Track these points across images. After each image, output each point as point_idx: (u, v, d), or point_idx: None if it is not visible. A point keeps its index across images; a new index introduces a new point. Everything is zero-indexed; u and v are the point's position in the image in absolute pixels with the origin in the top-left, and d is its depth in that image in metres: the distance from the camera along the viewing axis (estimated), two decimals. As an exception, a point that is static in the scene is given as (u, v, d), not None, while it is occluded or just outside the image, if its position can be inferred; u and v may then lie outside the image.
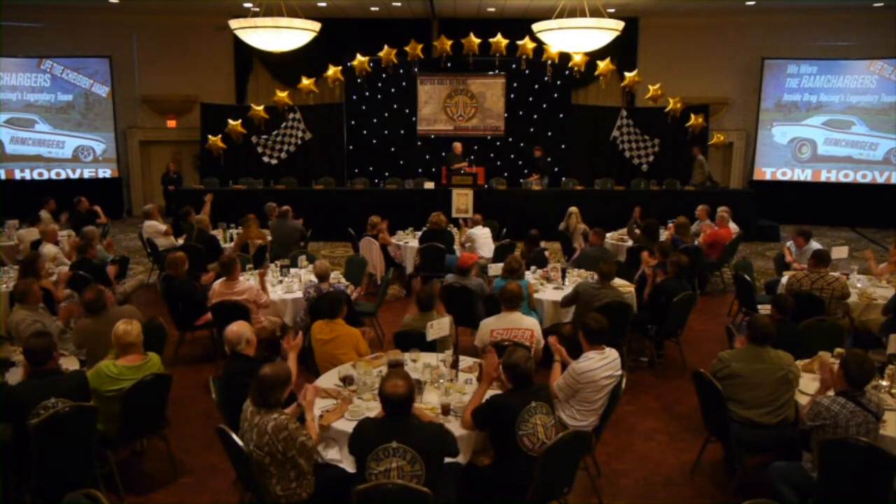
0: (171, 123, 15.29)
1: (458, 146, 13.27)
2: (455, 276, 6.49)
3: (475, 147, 14.64)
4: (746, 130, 15.18)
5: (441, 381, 4.13)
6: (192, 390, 5.65)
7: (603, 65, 11.96)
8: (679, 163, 14.19)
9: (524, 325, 4.93)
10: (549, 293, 6.55)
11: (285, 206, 9.14)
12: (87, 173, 14.61)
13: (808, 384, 4.19)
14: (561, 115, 15.02)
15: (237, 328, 4.16)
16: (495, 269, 6.65)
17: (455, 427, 3.62)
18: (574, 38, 9.15)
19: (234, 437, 3.34)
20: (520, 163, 14.92)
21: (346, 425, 3.65)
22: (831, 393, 3.68)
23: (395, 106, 15.02)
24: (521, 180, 13.31)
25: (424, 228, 8.91)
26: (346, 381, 4.11)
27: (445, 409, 3.76)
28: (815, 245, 7.35)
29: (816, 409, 3.57)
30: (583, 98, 15.27)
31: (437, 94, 15.01)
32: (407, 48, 12.55)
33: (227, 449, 3.47)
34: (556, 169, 14.69)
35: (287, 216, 8.99)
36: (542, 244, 8.23)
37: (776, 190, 14.42)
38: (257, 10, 10.06)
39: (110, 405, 4.06)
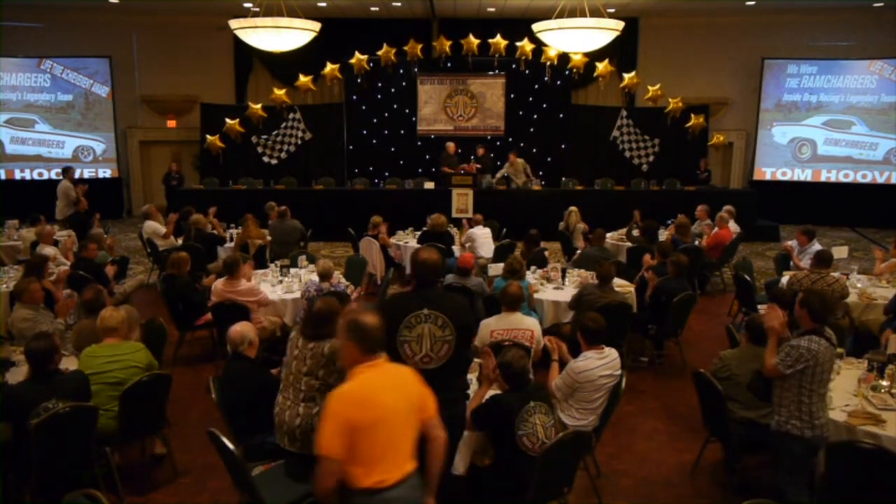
0: (171, 123, 15.29)
1: (451, 146, 13.21)
2: (455, 276, 6.49)
3: (478, 146, 14.63)
4: (746, 130, 15.18)
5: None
6: (192, 390, 5.65)
7: (602, 65, 11.97)
8: (679, 163, 14.21)
9: (524, 326, 4.93)
10: (549, 293, 6.55)
11: (283, 206, 9.15)
12: (88, 173, 14.60)
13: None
14: (561, 116, 15.04)
15: (241, 328, 4.17)
16: (495, 269, 6.65)
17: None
18: (574, 39, 9.15)
19: (225, 440, 3.30)
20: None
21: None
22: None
23: (395, 106, 15.03)
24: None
25: (424, 229, 8.89)
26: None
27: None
28: (817, 245, 7.35)
29: (796, 353, 3.50)
30: (583, 98, 15.28)
31: (437, 94, 15.01)
32: (406, 48, 12.55)
33: (219, 451, 3.43)
34: (555, 169, 14.72)
35: (286, 216, 9.00)
36: (542, 244, 8.23)
37: (776, 190, 14.41)
38: (257, 10, 10.06)
39: (94, 385, 4.06)
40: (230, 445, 3.31)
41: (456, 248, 8.72)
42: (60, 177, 11.33)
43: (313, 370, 3.45)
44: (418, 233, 9.20)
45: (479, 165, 13.10)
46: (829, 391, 3.95)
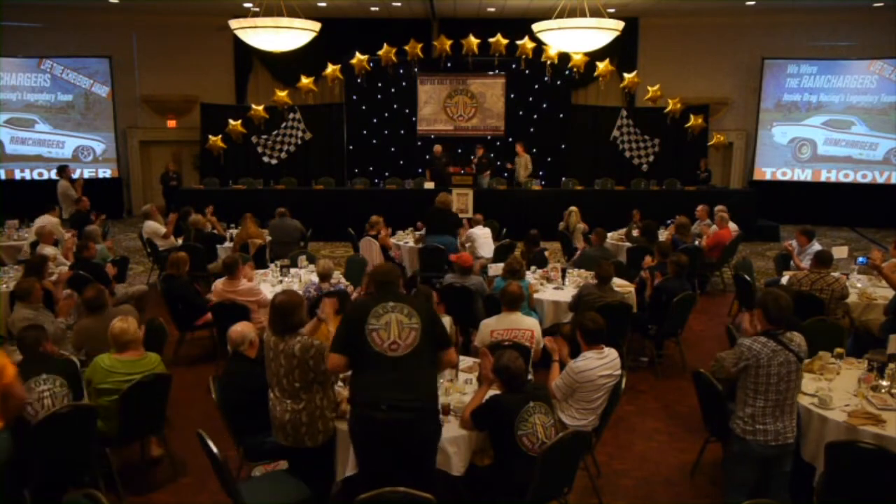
0: (171, 123, 15.29)
1: (438, 148, 13.45)
2: (455, 275, 6.51)
3: (477, 146, 14.64)
4: (746, 130, 15.19)
5: (441, 381, 4.12)
6: (192, 390, 5.65)
7: (602, 65, 11.97)
8: (679, 163, 14.22)
9: (524, 326, 4.93)
10: (549, 293, 6.55)
11: (282, 208, 9.16)
12: (87, 173, 14.58)
13: (808, 384, 4.19)
14: (561, 115, 15.03)
15: (241, 328, 4.17)
16: (495, 269, 6.65)
17: (455, 427, 3.62)
18: (574, 39, 9.14)
19: (210, 443, 3.25)
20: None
21: (346, 425, 3.65)
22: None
23: (395, 106, 15.02)
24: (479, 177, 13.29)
25: (430, 209, 8.84)
26: (346, 381, 4.10)
27: (445, 410, 3.76)
28: (816, 246, 7.35)
29: (738, 350, 3.55)
30: (583, 98, 15.28)
31: (437, 94, 15.01)
32: (406, 48, 12.56)
33: (206, 454, 3.37)
34: (552, 168, 14.72)
35: (286, 216, 9.01)
36: (542, 244, 8.23)
37: (776, 190, 14.42)
38: (257, 10, 10.06)
39: (103, 398, 4.08)
40: (214, 449, 3.24)
41: (459, 236, 8.71)
42: (59, 177, 11.36)
43: (289, 371, 3.48)
44: (419, 233, 9.19)
45: (470, 169, 13.21)
46: (829, 400, 3.93)
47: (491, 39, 12.48)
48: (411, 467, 3.32)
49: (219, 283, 6.11)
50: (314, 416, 3.52)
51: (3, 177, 14.43)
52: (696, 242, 8.83)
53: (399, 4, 13.32)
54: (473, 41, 12.54)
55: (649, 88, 12.40)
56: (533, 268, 7.18)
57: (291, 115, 14.34)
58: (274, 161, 14.51)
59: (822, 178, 14.60)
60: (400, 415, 3.22)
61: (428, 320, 3.37)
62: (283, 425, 3.54)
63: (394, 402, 3.21)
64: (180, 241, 8.81)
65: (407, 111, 15.05)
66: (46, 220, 8.91)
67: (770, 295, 3.61)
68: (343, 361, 3.34)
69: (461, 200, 11.80)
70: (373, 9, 13.69)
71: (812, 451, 3.85)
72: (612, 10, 11.92)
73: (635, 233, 9.04)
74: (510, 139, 14.89)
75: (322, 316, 3.90)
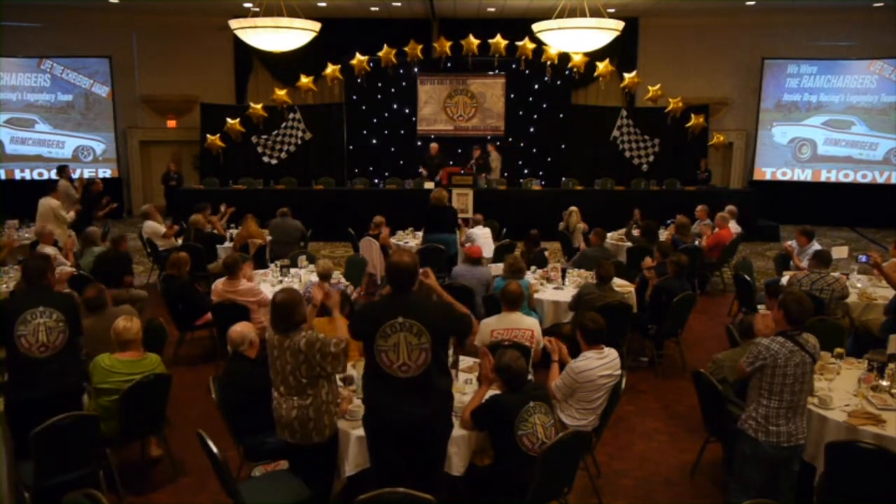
0: (171, 123, 15.30)
1: (434, 147, 13.47)
2: (465, 266, 6.53)
3: (474, 147, 14.64)
4: (746, 130, 15.19)
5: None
6: (192, 390, 5.65)
7: (602, 65, 11.98)
8: (679, 163, 14.22)
9: (524, 325, 4.93)
10: (549, 293, 6.56)
11: (284, 207, 9.16)
12: (88, 173, 14.56)
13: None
14: (561, 115, 15.04)
15: (241, 329, 4.17)
16: (495, 269, 6.66)
17: (455, 427, 3.62)
18: (574, 39, 9.15)
19: (210, 443, 3.27)
20: (520, 162, 14.94)
21: (346, 425, 3.66)
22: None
23: (395, 106, 15.03)
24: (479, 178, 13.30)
25: (427, 207, 8.86)
26: (346, 381, 4.10)
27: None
28: (816, 246, 7.35)
29: (755, 350, 3.55)
30: (583, 98, 15.28)
31: (437, 94, 15.02)
32: (407, 48, 12.56)
33: (206, 454, 3.39)
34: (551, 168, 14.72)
35: (287, 216, 9.01)
36: (542, 244, 8.23)
37: (776, 190, 14.42)
38: (257, 10, 10.07)
39: (103, 398, 4.09)
40: (215, 449, 3.25)
41: (458, 233, 8.72)
42: (58, 177, 11.33)
43: (296, 367, 3.48)
44: (419, 233, 9.19)
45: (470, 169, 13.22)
46: (829, 400, 3.94)
47: (491, 40, 12.49)
48: (420, 467, 3.33)
49: (219, 283, 6.11)
50: (320, 410, 3.52)
51: (3, 177, 14.43)
52: (696, 242, 8.84)
53: (399, 4, 13.32)
54: (473, 41, 12.56)
55: (649, 88, 12.41)
56: (533, 268, 7.18)
57: (291, 115, 14.34)
58: (274, 161, 14.51)
59: (822, 178, 14.60)
60: (407, 417, 3.26)
61: (439, 332, 3.27)
62: (289, 423, 3.53)
63: (404, 408, 3.26)
64: (180, 242, 8.81)
65: (407, 111, 15.06)
66: (48, 203, 8.95)
67: (792, 296, 3.61)
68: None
69: (461, 200, 11.80)
70: (373, 9, 13.69)
71: (812, 450, 3.85)
72: (612, 10, 11.93)
73: (635, 232, 9.05)
74: (510, 139, 14.90)
75: (315, 302, 3.90)
